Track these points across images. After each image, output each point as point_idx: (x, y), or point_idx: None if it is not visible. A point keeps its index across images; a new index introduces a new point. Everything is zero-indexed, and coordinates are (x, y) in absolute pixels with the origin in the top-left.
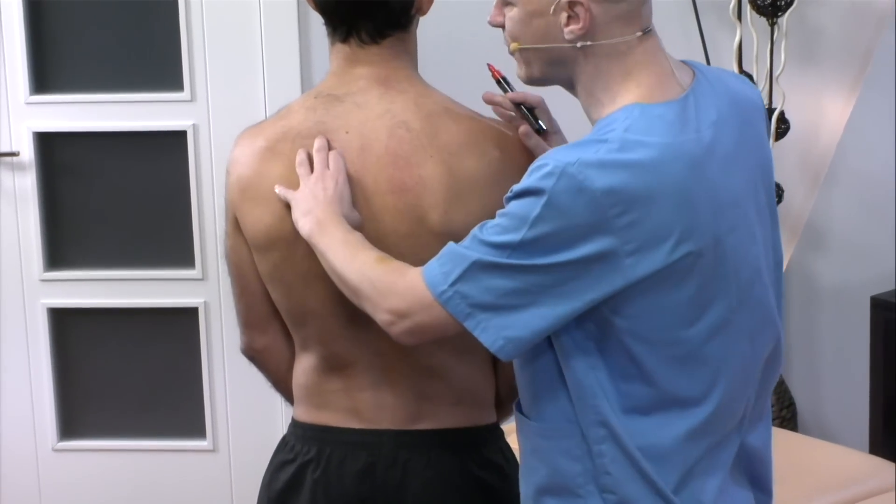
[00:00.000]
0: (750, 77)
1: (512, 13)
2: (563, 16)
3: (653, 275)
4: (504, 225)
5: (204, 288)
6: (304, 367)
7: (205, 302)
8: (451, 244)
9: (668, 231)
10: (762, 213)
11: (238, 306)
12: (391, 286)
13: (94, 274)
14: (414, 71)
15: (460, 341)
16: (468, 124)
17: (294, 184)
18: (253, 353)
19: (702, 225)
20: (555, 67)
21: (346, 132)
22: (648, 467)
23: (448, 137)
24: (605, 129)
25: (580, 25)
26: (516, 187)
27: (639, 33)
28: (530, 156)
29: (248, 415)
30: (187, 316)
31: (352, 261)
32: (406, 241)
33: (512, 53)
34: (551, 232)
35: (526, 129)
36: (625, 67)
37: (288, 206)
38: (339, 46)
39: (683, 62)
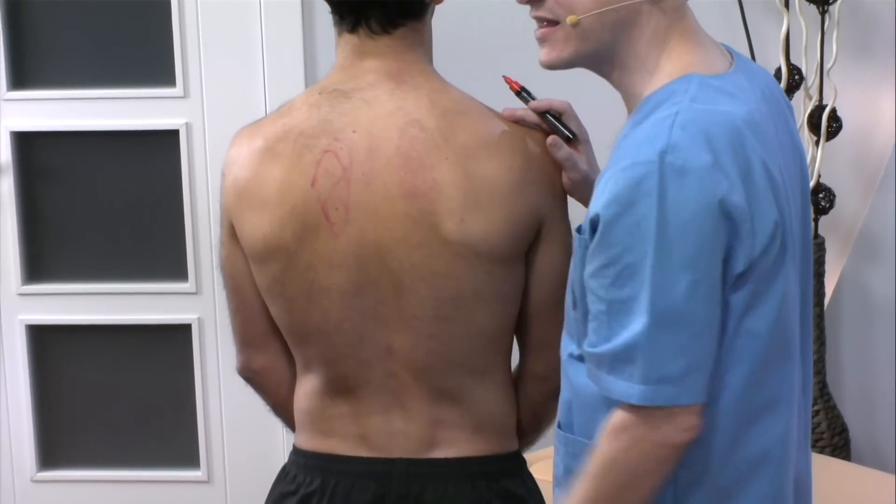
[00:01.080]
0: (798, 71)
1: None
2: None
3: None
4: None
5: (198, 303)
6: (306, 389)
7: (199, 318)
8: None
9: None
10: (798, 214)
11: (234, 322)
12: (616, 455)
13: (78, 287)
14: (429, 65)
15: (478, 361)
16: (489, 124)
17: (296, 188)
18: (250, 374)
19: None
20: (617, 33)
21: (354, 131)
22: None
23: (466, 138)
24: (667, 101)
25: None
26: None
27: None
28: (557, 163)
29: (245, 442)
30: (180, 333)
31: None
32: (417, 252)
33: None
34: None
35: (554, 140)
36: (680, 31)
37: (290, 213)
38: (347, 37)
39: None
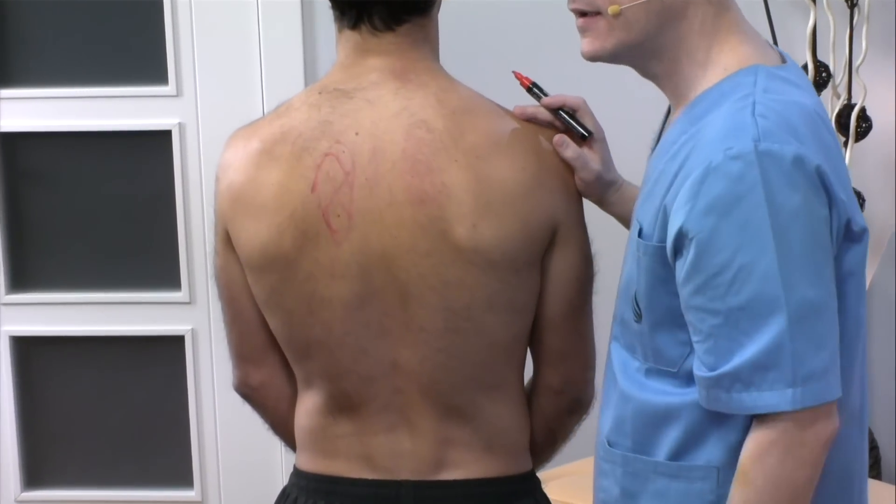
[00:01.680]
0: (826, 68)
1: None
2: None
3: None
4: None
5: (191, 313)
6: (307, 407)
7: (192, 329)
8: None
9: None
10: None
11: (230, 335)
12: (771, 474)
13: (65, 297)
14: (435, 62)
15: (490, 375)
16: (500, 123)
17: (295, 193)
18: (248, 391)
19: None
20: (663, 23)
21: (356, 133)
22: None
23: (476, 139)
24: (732, 93)
25: None
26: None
27: None
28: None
29: (242, 462)
30: (172, 345)
31: None
32: (426, 260)
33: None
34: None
35: (561, 139)
36: (729, 22)
37: (289, 219)
38: (348, 34)
39: None
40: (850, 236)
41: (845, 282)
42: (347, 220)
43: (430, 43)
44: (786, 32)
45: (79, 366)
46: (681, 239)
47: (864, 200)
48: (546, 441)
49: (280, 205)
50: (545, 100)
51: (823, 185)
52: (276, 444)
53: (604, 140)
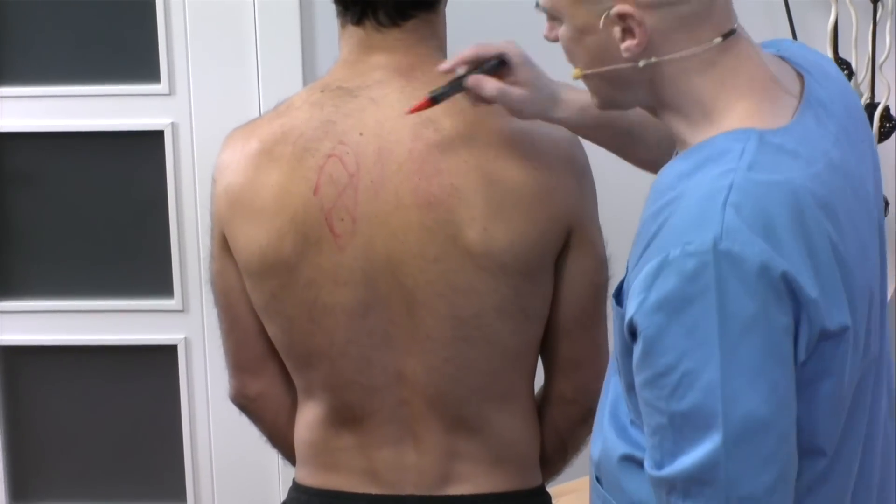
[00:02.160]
0: (847, 65)
1: (562, 31)
2: (617, 31)
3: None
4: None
5: (185, 321)
6: (308, 419)
7: (185, 338)
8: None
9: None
10: (874, 235)
11: (227, 344)
12: None
13: (52, 304)
14: (442, 58)
15: (499, 385)
16: (511, 122)
17: (296, 195)
18: (245, 402)
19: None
20: (626, 92)
21: (361, 133)
22: None
23: (487, 139)
24: (718, 160)
25: (636, 41)
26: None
27: (717, 39)
28: (586, 164)
29: (237, 476)
30: (164, 355)
31: None
32: (434, 266)
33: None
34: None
35: (475, 80)
36: (714, 80)
37: (290, 223)
38: (352, 30)
39: (780, 56)
40: (826, 336)
41: (818, 383)
42: (351, 223)
43: (437, 39)
44: (806, 28)
45: (67, 376)
46: (632, 328)
47: (887, 204)
48: (557, 453)
49: (280, 208)
50: (443, 66)
51: (790, 292)
52: (273, 457)
53: (523, 59)
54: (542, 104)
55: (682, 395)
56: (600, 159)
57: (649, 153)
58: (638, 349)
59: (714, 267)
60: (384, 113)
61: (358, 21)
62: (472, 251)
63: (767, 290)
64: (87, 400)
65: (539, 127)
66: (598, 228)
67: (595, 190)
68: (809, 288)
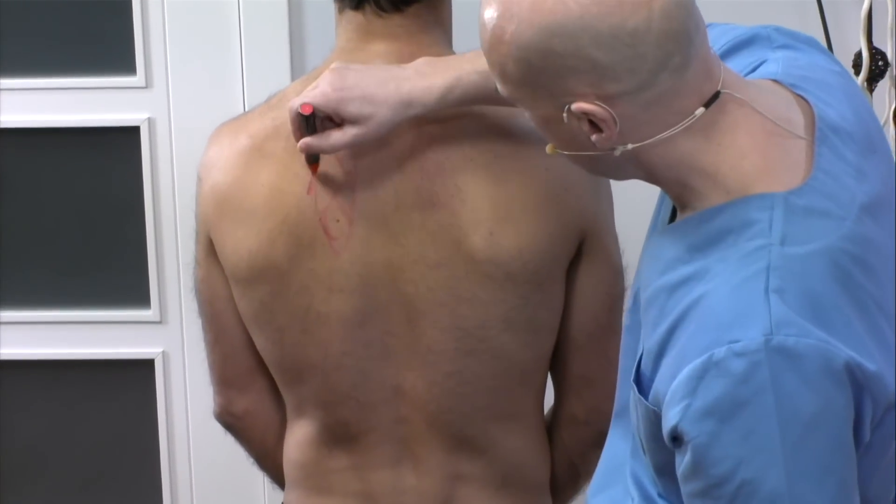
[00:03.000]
0: (882, 56)
1: (528, 115)
2: (584, 123)
3: None
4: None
5: (162, 333)
6: (299, 438)
7: (163, 352)
8: None
9: None
10: None
11: (211, 357)
12: None
13: (16, 316)
14: (448, 48)
15: (506, 403)
16: (521, 120)
17: (288, 195)
18: (231, 419)
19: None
20: (612, 171)
21: None
22: None
23: (494, 137)
24: (742, 235)
25: (605, 135)
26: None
27: (700, 110)
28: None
29: (220, 501)
30: (140, 370)
31: None
32: (436, 272)
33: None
34: None
35: (305, 145)
36: (710, 146)
37: (281, 225)
38: (350, 15)
39: (772, 81)
40: (890, 407)
41: (881, 453)
42: (347, 226)
43: (441, 26)
44: (838, 17)
45: (34, 393)
46: (677, 438)
47: None
48: (568, 478)
49: (271, 209)
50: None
51: (853, 379)
52: (259, 480)
53: (339, 101)
54: (388, 122)
55: None
56: None
57: None
58: (686, 458)
59: (768, 366)
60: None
61: (357, 6)
62: (477, 257)
63: (830, 383)
64: (54, 420)
65: None
66: (614, 234)
67: (611, 192)
68: (869, 362)
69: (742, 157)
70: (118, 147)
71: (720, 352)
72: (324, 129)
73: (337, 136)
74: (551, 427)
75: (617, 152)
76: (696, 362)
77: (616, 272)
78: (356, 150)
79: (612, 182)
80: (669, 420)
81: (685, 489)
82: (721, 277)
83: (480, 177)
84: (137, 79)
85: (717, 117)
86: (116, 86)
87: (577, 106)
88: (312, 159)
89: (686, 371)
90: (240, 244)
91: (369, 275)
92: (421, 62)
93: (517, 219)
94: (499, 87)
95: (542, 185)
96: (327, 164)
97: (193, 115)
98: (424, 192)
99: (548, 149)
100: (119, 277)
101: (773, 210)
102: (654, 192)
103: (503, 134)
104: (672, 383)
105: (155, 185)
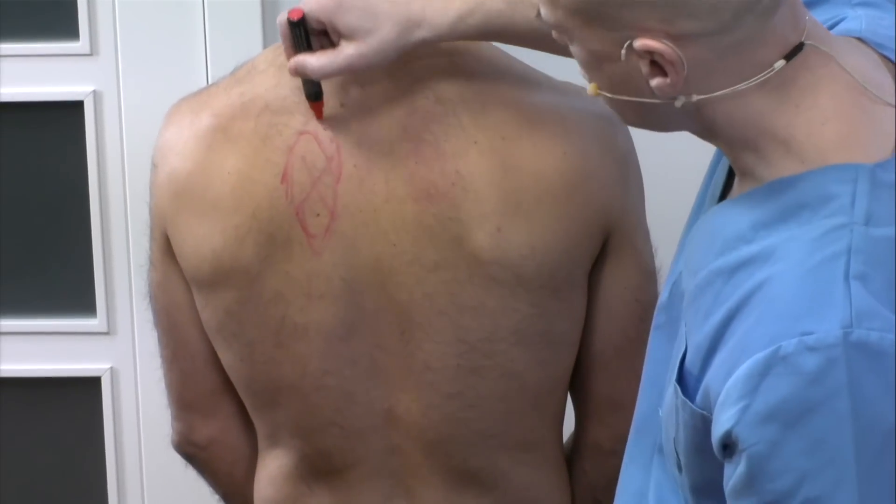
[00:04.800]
0: None
1: (574, 48)
2: (643, 64)
3: None
4: None
5: (110, 347)
6: (272, 471)
7: (111, 368)
8: None
9: None
10: None
11: (169, 376)
12: None
13: None
14: None
15: (518, 429)
16: (534, 94)
17: (259, 185)
18: (192, 450)
19: None
20: (660, 124)
21: (342, 104)
22: None
23: (502, 113)
24: (820, 211)
25: (668, 81)
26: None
27: (780, 62)
28: (630, 148)
29: None
30: (85, 389)
31: None
32: (435, 276)
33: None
34: None
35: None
36: (786, 105)
37: (251, 220)
38: None
39: (855, 38)
40: None
41: None
42: (329, 220)
43: None
44: None
45: None
46: (729, 446)
47: None
48: None
49: (239, 201)
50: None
51: None
52: None
53: (337, 8)
54: (391, 43)
55: None
56: (647, 142)
57: None
58: (739, 470)
59: (846, 364)
60: (371, 77)
61: None
62: (482, 258)
63: None
64: None
65: (569, 99)
66: (645, 231)
67: (641, 182)
68: None
69: (823, 121)
70: (57, 125)
71: (789, 345)
72: (321, 48)
73: (329, 57)
74: (571, 458)
75: (678, 103)
76: (759, 356)
77: (647, 275)
78: (340, 131)
79: (643, 168)
80: (722, 424)
81: None
82: (791, 259)
83: (486, 162)
84: (80, 45)
85: (798, 73)
86: (55, 52)
87: (642, 43)
88: (313, 94)
89: (746, 366)
90: (202, 243)
91: (355, 279)
92: None
93: (529, 212)
94: (542, 10)
95: (559, 173)
96: (306, 149)
97: (147, 88)
98: (420, 180)
99: (590, 89)
100: (60, 281)
101: (857, 184)
102: (693, 178)
103: (513, 112)
104: (727, 381)
105: (101, 171)
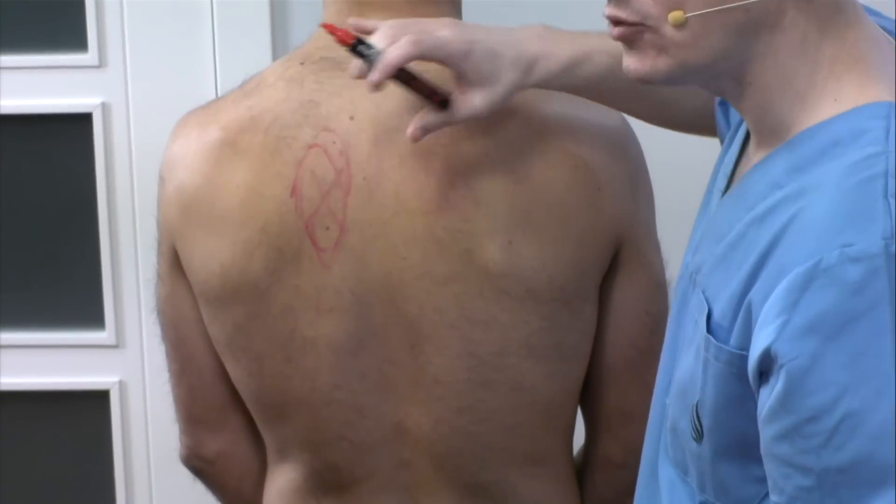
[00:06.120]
0: None
1: None
2: None
3: None
4: None
5: (119, 360)
6: (281, 485)
7: (120, 381)
8: None
9: None
10: None
11: (178, 391)
12: None
13: None
14: (457, 20)
15: (528, 443)
16: (546, 106)
17: (268, 199)
18: (201, 464)
19: None
20: (746, 39)
21: (351, 117)
22: None
23: (513, 126)
24: (853, 144)
25: None
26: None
27: None
28: (641, 160)
29: None
30: (93, 403)
31: None
32: (446, 289)
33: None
34: None
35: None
36: (842, 34)
37: (260, 235)
38: None
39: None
40: None
41: None
42: (339, 234)
43: None
44: None
45: None
46: (767, 362)
47: None
48: None
49: (248, 215)
50: (376, 76)
51: None
52: None
53: (466, 54)
54: (513, 87)
55: (842, 444)
56: (658, 153)
57: (681, 116)
58: (777, 389)
59: (887, 273)
60: (382, 91)
61: None
62: (493, 271)
63: None
64: None
65: (580, 111)
66: (656, 243)
67: (652, 194)
68: None
69: (864, 68)
70: (66, 138)
71: (831, 257)
72: (417, 89)
73: (470, 103)
74: (582, 472)
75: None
76: (799, 270)
77: (658, 287)
78: (350, 144)
79: (654, 179)
80: (760, 343)
81: (767, 434)
82: (828, 184)
83: (497, 175)
84: (89, 57)
85: (849, 12)
86: (64, 64)
87: None
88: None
89: (786, 282)
90: (210, 257)
91: (364, 292)
92: (538, 27)
93: (541, 225)
94: None
95: (570, 185)
96: (315, 162)
97: (156, 100)
98: (430, 193)
99: (672, 18)
100: (68, 293)
101: (890, 119)
102: (701, 190)
103: (524, 124)
104: (766, 302)
105: (110, 183)
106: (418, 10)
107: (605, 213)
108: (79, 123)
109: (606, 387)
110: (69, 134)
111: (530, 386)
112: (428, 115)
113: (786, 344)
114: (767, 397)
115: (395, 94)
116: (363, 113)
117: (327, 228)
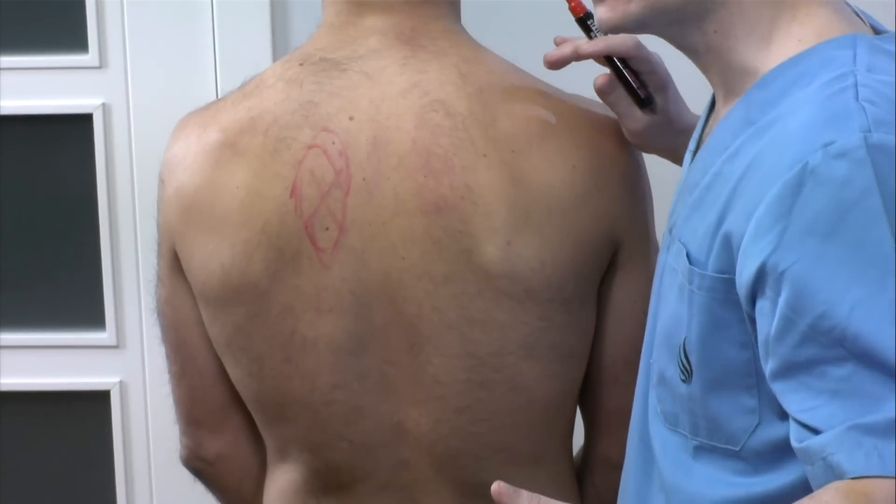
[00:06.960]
0: None
1: None
2: None
3: None
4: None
5: (120, 360)
6: (281, 486)
7: (120, 382)
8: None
9: None
10: None
11: (178, 392)
12: None
13: None
14: (456, 23)
15: (527, 444)
16: (543, 106)
17: (268, 200)
18: (201, 465)
19: None
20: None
21: (351, 118)
22: None
23: (511, 127)
24: (820, 72)
25: None
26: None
27: None
28: (640, 161)
29: None
30: (94, 403)
31: None
32: (444, 289)
33: None
34: None
35: (604, 82)
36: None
37: (260, 235)
38: None
39: None
40: None
41: None
42: (338, 234)
43: None
44: None
45: None
46: (764, 278)
47: None
48: None
49: (247, 216)
50: (590, 45)
51: None
52: None
53: (669, 85)
54: (677, 135)
55: (859, 329)
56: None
57: None
58: (784, 299)
59: (871, 164)
60: (381, 91)
61: None
62: (492, 271)
63: None
64: None
65: (578, 110)
66: (655, 243)
67: (651, 194)
68: None
69: (819, 11)
70: (66, 138)
71: (815, 158)
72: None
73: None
74: (581, 472)
75: None
76: (788, 177)
77: None
78: (349, 145)
79: (653, 180)
80: (753, 261)
81: (785, 349)
82: (800, 104)
83: (495, 175)
84: (90, 58)
85: None
86: (65, 65)
87: None
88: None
89: (774, 191)
90: (210, 258)
91: (364, 292)
92: None
93: (539, 225)
94: None
95: (568, 186)
96: (315, 163)
97: (156, 101)
98: (429, 193)
99: None
100: (69, 294)
101: (857, 48)
102: None
103: (522, 124)
104: (752, 218)
105: (111, 184)
106: (417, 10)
107: (604, 213)
108: (79, 124)
109: (605, 387)
110: (69, 135)
111: (529, 386)
112: (607, 84)
113: (786, 252)
114: (772, 315)
115: (395, 94)
116: (362, 113)
117: (327, 229)
